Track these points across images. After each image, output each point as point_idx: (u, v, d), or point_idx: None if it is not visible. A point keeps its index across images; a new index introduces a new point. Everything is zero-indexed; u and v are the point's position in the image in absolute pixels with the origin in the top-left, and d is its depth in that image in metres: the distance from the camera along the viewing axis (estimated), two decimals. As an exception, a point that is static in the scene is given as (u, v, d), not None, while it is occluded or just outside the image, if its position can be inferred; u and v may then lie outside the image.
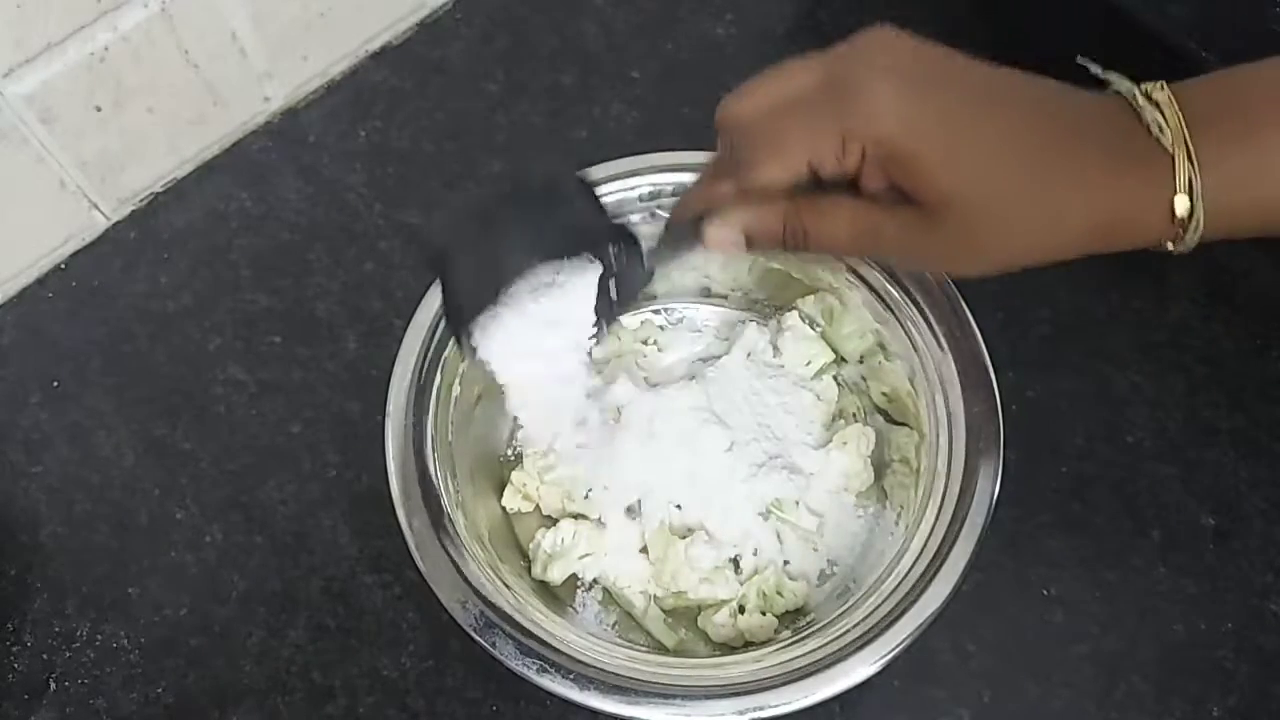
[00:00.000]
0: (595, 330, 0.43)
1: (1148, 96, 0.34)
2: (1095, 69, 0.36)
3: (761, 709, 0.41)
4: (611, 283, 0.42)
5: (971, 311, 0.49)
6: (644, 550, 0.52)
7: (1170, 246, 0.35)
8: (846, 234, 0.36)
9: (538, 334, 0.42)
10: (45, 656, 0.52)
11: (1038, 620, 0.52)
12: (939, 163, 0.33)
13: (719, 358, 0.56)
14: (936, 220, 0.34)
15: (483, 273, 0.40)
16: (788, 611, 0.51)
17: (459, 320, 0.42)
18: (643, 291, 0.43)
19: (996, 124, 0.33)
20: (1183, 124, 0.33)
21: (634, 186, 0.52)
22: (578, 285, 0.42)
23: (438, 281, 0.43)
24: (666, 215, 0.53)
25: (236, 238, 0.63)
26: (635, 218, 0.53)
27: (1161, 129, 0.33)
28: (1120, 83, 0.35)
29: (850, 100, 0.34)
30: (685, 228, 0.40)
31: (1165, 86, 0.34)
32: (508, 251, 0.40)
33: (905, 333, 0.50)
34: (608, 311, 0.43)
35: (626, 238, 0.42)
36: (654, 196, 0.52)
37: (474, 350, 0.42)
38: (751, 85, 0.37)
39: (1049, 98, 0.35)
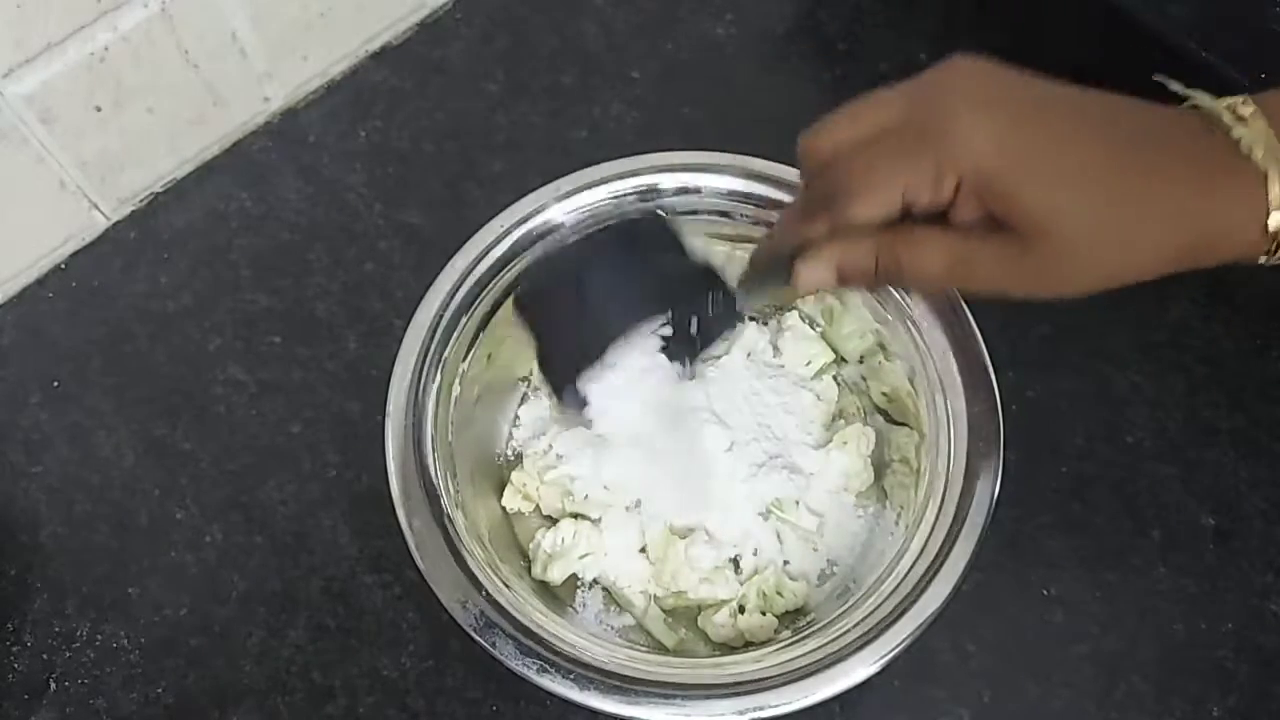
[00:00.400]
0: (681, 370, 0.43)
1: (1233, 112, 0.34)
2: (1176, 86, 0.35)
3: (761, 709, 0.41)
4: (694, 322, 0.41)
5: (971, 311, 0.49)
6: (644, 550, 0.52)
7: (1263, 260, 0.35)
8: (941, 265, 0.36)
9: (633, 382, 0.43)
10: (45, 656, 0.52)
11: (1038, 620, 0.52)
12: (1035, 187, 0.33)
13: (719, 358, 0.56)
14: (1031, 246, 0.34)
15: (582, 335, 0.41)
16: (788, 611, 0.51)
17: (562, 381, 0.42)
18: (727, 334, 0.42)
19: (1088, 146, 0.33)
20: (1275, 139, 0.33)
21: (634, 186, 0.52)
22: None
23: (534, 344, 0.43)
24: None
25: (236, 238, 0.63)
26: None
27: (1252, 146, 0.33)
28: (1203, 99, 0.35)
29: (942, 131, 0.33)
30: (773, 267, 0.39)
31: (1250, 100, 0.34)
32: (607, 314, 0.40)
33: (905, 333, 0.50)
34: (690, 351, 0.42)
35: (715, 282, 0.41)
36: (654, 197, 0.52)
37: (581, 406, 0.42)
38: (835, 119, 0.36)
39: (1135, 116, 0.34)
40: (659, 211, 0.42)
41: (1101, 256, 0.34)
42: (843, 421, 0.55)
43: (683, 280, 0.41)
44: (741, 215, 0.53)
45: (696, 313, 0.41)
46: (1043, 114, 0.34)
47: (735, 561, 0.52)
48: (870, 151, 0.35)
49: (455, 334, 0.50)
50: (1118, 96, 0.35)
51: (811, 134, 0.37)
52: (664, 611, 0.52)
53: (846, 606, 0.46)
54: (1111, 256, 0.34)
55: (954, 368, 0.48)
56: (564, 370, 0.42)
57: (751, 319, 0.57)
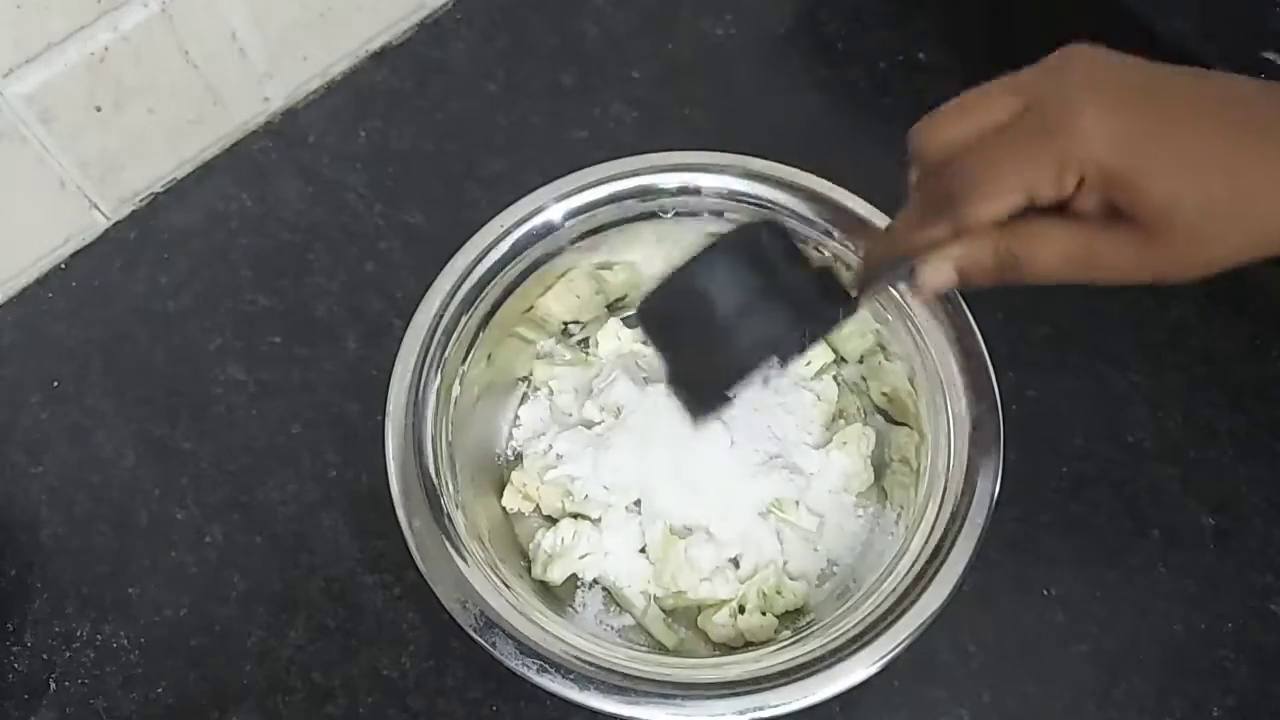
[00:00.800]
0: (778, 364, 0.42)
1: None
2: None
3: (761, 709, 0.41)
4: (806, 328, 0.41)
5: (971, 311, 0.49)
6: (644, 550, 0.52)
7: None
8: (1060, 258, 0.35)
9: None
10: (45, 656, 0.52)
11: (1038, 620, 0.52)
12: (1160, 179, 0.33)
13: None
14: (1155, 233, 0.33)
15: (716, 363, 0.40)
16: (788, 611, 0.51)
17: (701, 410, 0.43)
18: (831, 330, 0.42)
19: (1209, 132, 0.33)
20: None
21: (634, 187, 0.52)
22: None
23: (663, 363, 0.43)
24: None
25: (236, 238, 0.63)
26: (638, 217, 0.53)
27: None
28: None
29: (1063, 124, 0.33)
30: (890, 269, 0.39)
31: None
32: (741, 342, 0.40)
33: (905, 333, 0.50)
34: (795, 347, 0.41)
35: (838, 293, 0.41)
36: (654, 197, 0.52)
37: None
38: (946, 113, 0.36)
39: (1253, 96, 0.34)
40: (774, 219, 0.41)
41: (1226, 239, 0.34)
42: (843, 421, 0.55)
43: (810, 294, 0.40)
44: (742, 216, 0.53)
45: (828, 327, 0.41)
46: (1163, 103, 0.33)
47: (735, 561, 0.52)
48: (989, 149, 0.35)
49: (455, 334, 0.50)
50: (1235, 76, 0.34)
51: (923, 131, 0.36)
52: (664, 611, 0.52)
53: (846, 606, 0.46)
54: (1236, 238, 0.34)
55: (954, 368, 0.48)
56: (704, 399, 0.42)
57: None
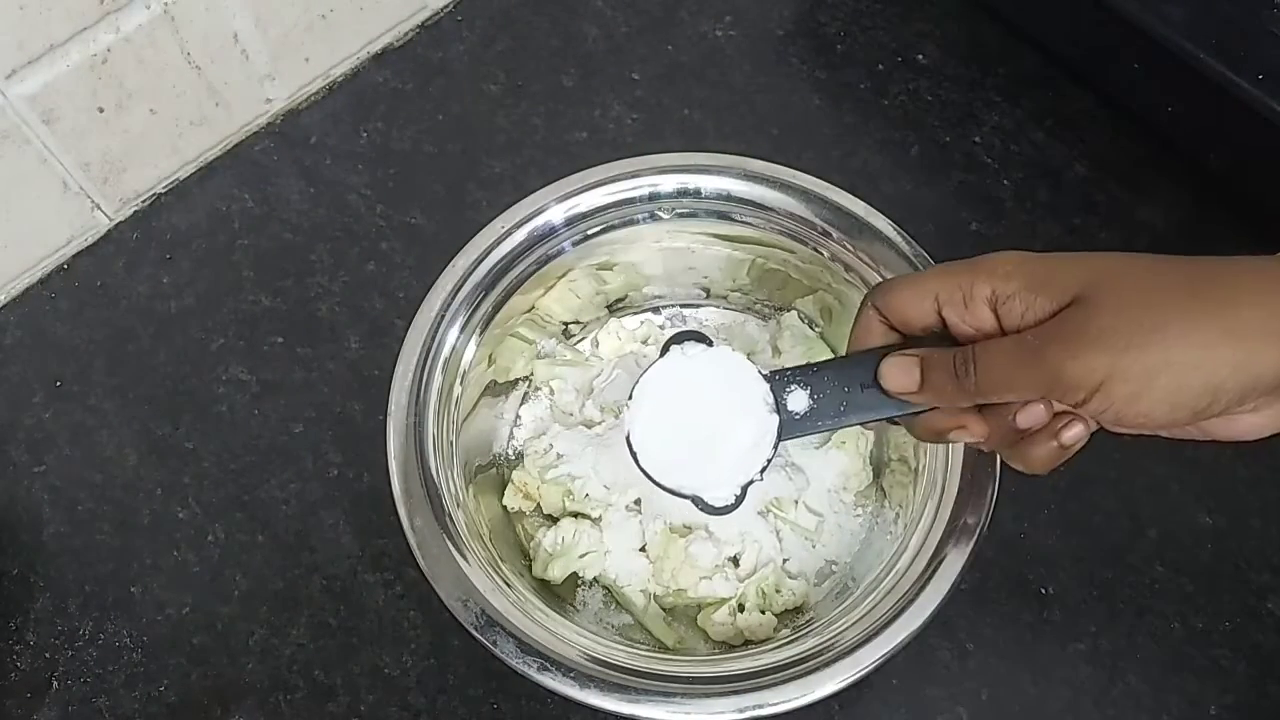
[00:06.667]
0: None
1: None
2: None
3: (760, 706, 0.41)
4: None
5: (970, 312, 0.49)
6: (644, 549, 0.52)
7: None
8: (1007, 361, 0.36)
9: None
10: (48, 655, 0.53)
11: (1036, 619, 0.52)
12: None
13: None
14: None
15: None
16: (787, 610, 0.51)
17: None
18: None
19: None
20: None
21: (634, 188, 0.53)
22: None
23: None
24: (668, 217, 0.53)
25: (239, 238, 0.63)
26: (638, 218, 0.53)
27: None
28: None
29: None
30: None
31: None
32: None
33: (904, 333, 0.51)
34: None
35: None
36: (654, 198, 0.53)
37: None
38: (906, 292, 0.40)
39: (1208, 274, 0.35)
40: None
41: (1185, 399, 0.34)
42: (842, 421, 0.55)
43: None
44: (741, 217, 0.53)
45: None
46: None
47: (735, 560, 0.52)
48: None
49: (457, 334, 0.50)
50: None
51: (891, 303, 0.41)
52: (664, 610, 0.52)
53: (845, 605, 0.46)
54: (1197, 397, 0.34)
55: (952, 367, 0.48)
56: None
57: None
